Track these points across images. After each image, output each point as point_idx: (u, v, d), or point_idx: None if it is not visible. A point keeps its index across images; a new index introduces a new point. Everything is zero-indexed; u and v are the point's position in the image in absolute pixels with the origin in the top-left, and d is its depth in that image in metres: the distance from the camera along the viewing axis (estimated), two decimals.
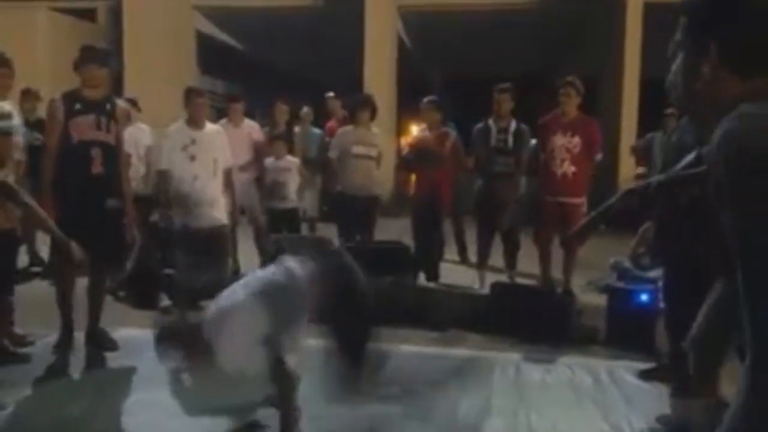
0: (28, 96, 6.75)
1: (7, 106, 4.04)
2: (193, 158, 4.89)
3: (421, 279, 6.12)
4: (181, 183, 4.90)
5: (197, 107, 4.99)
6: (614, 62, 11.55)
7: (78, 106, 4.26)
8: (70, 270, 4.32)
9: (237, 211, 5.37)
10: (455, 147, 6.45)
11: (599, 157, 5.97)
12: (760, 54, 1.19)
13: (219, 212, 5.03)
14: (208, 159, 4.94)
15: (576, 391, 3.99)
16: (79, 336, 4.48)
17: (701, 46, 1.24)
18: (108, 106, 4.36)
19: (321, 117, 8.69)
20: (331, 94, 8.61)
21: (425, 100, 6.57)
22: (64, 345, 4.36)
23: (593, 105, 9.29)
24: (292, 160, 6.69)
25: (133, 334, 4.84)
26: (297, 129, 7.95)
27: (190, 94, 5.07)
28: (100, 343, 4.45)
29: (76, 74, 4.37)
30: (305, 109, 8.38)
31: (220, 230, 5.07)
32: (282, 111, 7.27)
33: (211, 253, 4.85)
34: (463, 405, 3.66)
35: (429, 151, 6.32)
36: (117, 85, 12.65)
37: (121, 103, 4.57)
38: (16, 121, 4.06)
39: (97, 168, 4.27)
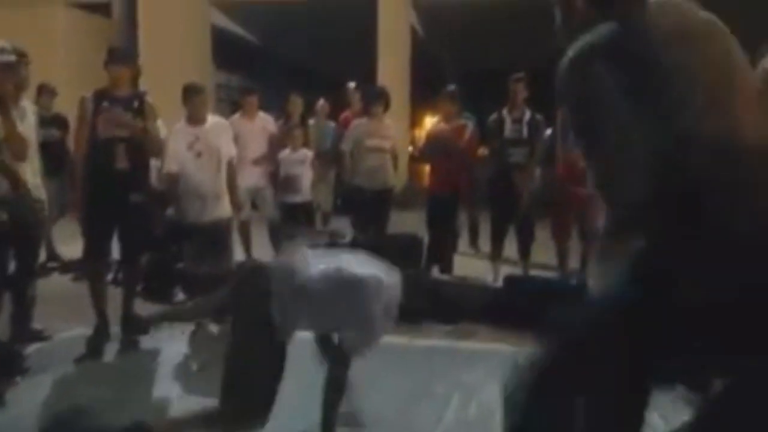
0: (44, 91, 6.79)
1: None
2: (199, 155, 4.92)
3: (435, 272, 6.10)
4: (188, 180, 4.93)
5: (197, 104, 5.01)
6: None
7: (105, 103, 4.44)
8: (97, 269, 4.57)
9: (239, 200, 5.39)
10: (472, 139, 6.42)
11: None
12: None
13: (223, 206, 5.06)
14: (212, 154, 4.98)
15: None
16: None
17: None
18: (135, 103, 4.51)
19: (336, 109, 8.66)
20: (352, 84, 8.52)
21: (444, 90, 6.54)
22: (99, 337, 4.46)
23: None
24: (306, 153, 6.69)
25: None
26: (311, 122, 7.94)
27: (187, 91, 5.05)
28: (132, 328, 4.57)
29: (103, 72, 4.53)
30: (321, 102, 8.35)
31: (224, 223, 5.09)
32: (296, 104, 7.27)
33: (215, 247, 4.88)
34: (476, 399, 3.64)
35: (446, 143, 6.28)
36: (132, 81, 12.74)
37: (150, 99, 4.61)
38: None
39: (122, 163, 4.40)
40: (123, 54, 4.72)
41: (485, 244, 6.90)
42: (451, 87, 6.67)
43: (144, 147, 4.53)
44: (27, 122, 4.38)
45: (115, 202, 4.41)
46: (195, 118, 5.01)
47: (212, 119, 5.25)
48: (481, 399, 3.62)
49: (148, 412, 3.47)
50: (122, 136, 4.41)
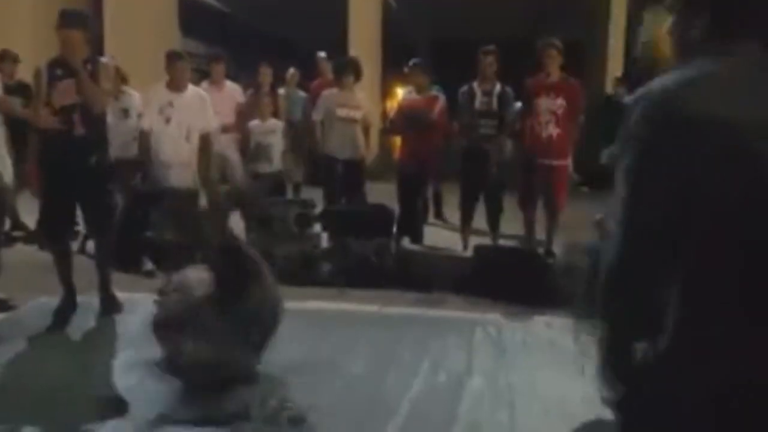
0: (6, 58, 6.61)
1: None
2: (168, 120, 4.91)
3: (405, 242, 6.15)
4: (156, 143, 4.93)
5: (177, 70, 5.03)
6: (599, 26, 11.48)
7: (59, 71, 4.27)
8: (58, 241, 4.42)
9: (208, 174, 5.37)
10: (442, 111, 6.43)
11: (582, 119, 6.00)
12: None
13: (190, 175, 5.05)
14: (182, 122, 4.97)
15: (557, 351, 4.05)
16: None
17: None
18: (89, 67, 4.33)
19: (306, 79, 8.57)
20: (323, 54, 8.41)
21: (410, 62, 6.54)
22: (66, 308, 4.37)
23: (580, 69, 9.26)
24: (277, 123, 6.64)
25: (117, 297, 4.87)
26: (281, 91, 7.86)
27: (171, 56, 5.12)
28: (107, 307, 4.48)
29: (55, 36, 4.34)
30: (291, 71, 8.27)
31: (190, 192, 5.08)
32: (266, 74, 7.18)
33: (179, 216, 4.87)
34: (445, 366, 3.70)
35: (417, 115, 6.28)
36: (97, 48, 12.46)
37: (104, 60, 4.51)
38: None
39: (79, 130, 4.27)
40: (75, 17, 4.41)
41: (450, 214, 6.96)
42: (417, 59, 6.69)
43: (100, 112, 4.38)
44: None
45: (73, 168, 4.25)
46: (173, 84, 5.06)
47: (192, 89, 5.22)
48: (450, 366, 3.69)
49: (119, 381, 3.46)
50: (77, 102, 4.25)
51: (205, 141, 5.15)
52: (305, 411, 2.98)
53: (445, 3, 13.48)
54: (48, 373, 3.51)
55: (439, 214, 7.77)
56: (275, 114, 6.76)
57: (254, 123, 6.51)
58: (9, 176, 4.49)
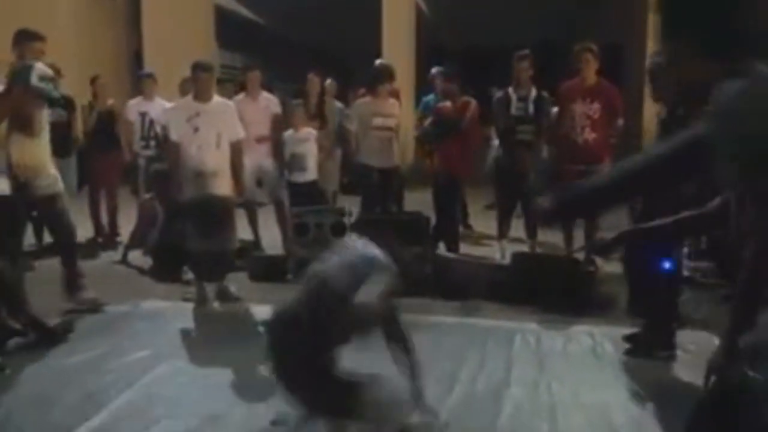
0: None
1: (50, 70, 4.14)
2: (196, 130, 4.99)
3: (441, 249, 6.12)
4: (185, 154, 4.99)
5: (202, 81, 5.12)
6: (637, 29, 11.31)
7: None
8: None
9: (242, 181, 5.42)
10: (474, 117, 6.40)
11: (621, 122, 5.91)
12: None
13: (221, 184, 5.09)
14: (211, 131, 5.04)
15: (597, 358, 3.99)
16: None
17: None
18: None
19: (343, 89, 8.60)
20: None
21: (432, 70, 6.59)
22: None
23: (618, 73, 9.15)
24: (311, 132, 6.67)
25: (157, 306, 4.94)
26: None
27: (195, 68, 5.20)
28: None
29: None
30: (328, 81, 8.32)
31: (222, 200, 5.12)
32: (315, 82, 7.21)
33: (214, 224, 4.91)
34: (484, 375, 3.67)
35: (449, 121, 6.26)
36: (136, 61, 12.73)
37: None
38: (55, 93, 4.19)
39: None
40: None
41: (477, 222, 6.91)
42: (440, 68, 6.73)
43: None
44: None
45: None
46: (200, 95, 5.11)
47: (218, 99, 5.29)
48: (489, 375, 3.65)
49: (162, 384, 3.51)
50: None
51: (236, 148, 5.21)
52: None
53: (478, 8, 13.45)
54: (84, 381, 3.58)
55: (465, 224, 7.64)
56: (322, 126, 6.81)
57: (288, 133, 6.56)
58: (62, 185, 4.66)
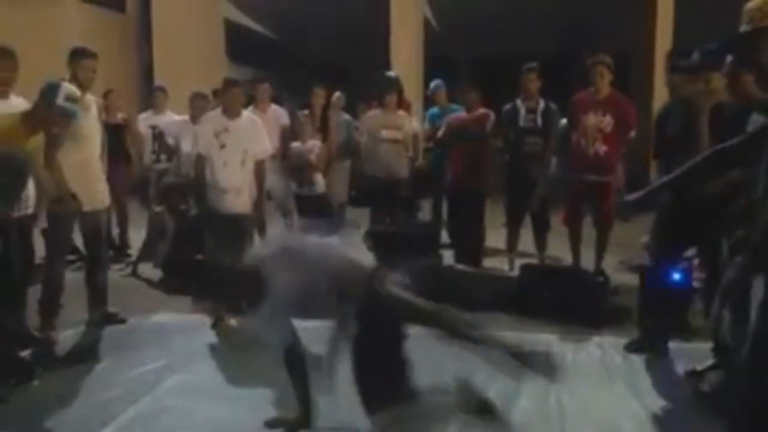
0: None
1: (77, 90, 4.19)
2: (223, 146, 4.97)
3: (449, 260, 6.11)
4: (210, 168, 4.99)
5: (232, 97, 5.08)
6: (645, 38, 11.31)
7: None
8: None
9: (263, 201, 5.42)
10: (491, 128, 6.38)
11: (632, 134, 5.89)
12: None
13: (243, 201, 5.09)
14: (237, 148, 5.00)
15: (608, 370, 3.97)
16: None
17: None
18: None
19: (352, 102, 8.63)
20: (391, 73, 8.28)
21: (432, 84, 6.63)
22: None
23: (626, 82, 9.13)
24: (317, 144, 6.68)
25: (167, 319, 4.96)
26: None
27: (226, 84, 5.24)
28: None
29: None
30: (336, 94, 8.36)
31: (242, 218, 5.12)
32: (319, 95, 7.26)
33: (232, 240, 4.90)
34: (493, 387, 3.65)
35: (466, 131, 6.24)
36: (147, 75, 12.83)
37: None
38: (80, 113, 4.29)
39: None
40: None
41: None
42: (439, 81, 6.94)
43: None
44: (91, 114, 4.66)
45: None
46: (228, 111, 5.08)
47: (246, 115, 5.30)
48: (498, 387, 3.63)
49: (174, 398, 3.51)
50: None
51: (260, 167, 5.21)
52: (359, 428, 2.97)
53: (486, 19, 13.48)
54: (93, 394, 3.60)
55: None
56: (326, 139, 6.82)
57: (295, 145, 6.58)
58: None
